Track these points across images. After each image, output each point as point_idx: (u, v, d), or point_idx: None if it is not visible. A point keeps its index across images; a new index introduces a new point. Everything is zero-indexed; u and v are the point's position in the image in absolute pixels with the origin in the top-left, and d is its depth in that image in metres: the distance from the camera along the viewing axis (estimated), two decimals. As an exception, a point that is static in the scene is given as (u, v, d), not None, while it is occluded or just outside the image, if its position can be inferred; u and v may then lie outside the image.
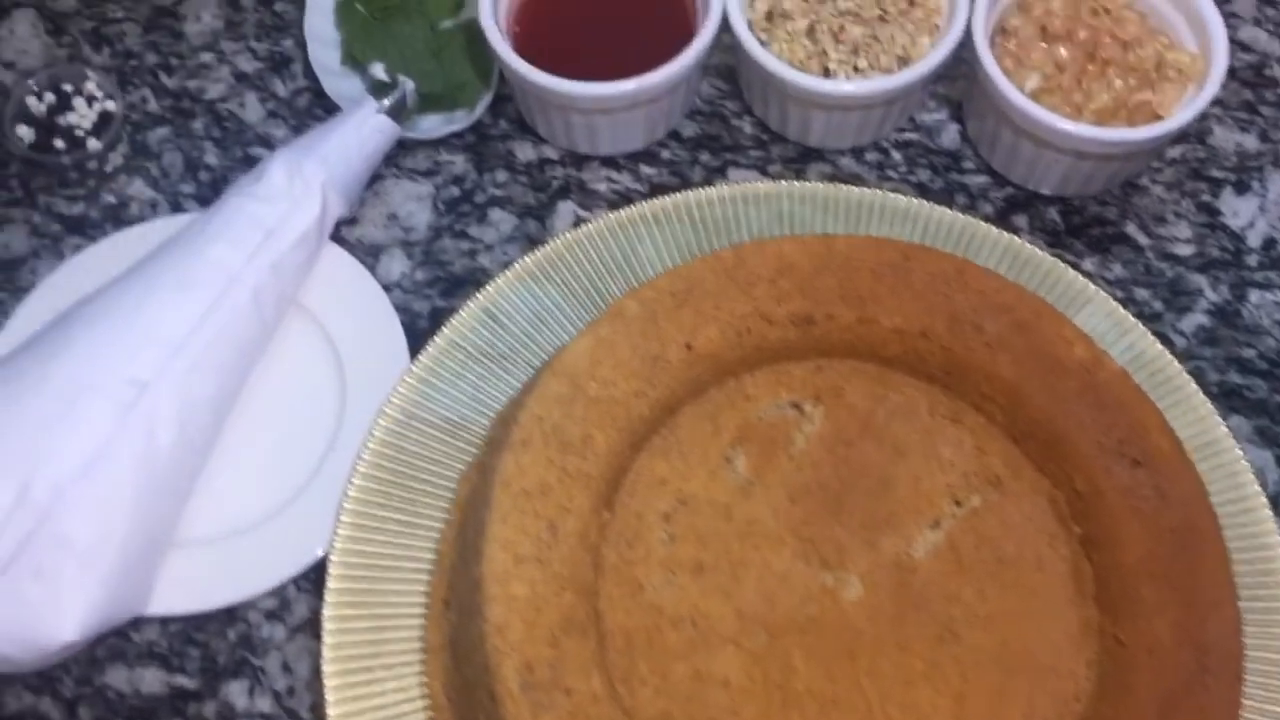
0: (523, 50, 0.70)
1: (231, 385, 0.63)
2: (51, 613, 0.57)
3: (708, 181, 0.74)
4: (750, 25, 0.70)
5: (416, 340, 0.68)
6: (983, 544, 0.61)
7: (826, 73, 0.69)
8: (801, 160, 0.75)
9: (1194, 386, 0.65)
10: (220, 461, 0.64)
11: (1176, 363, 0.65)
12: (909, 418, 0.64)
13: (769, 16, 0.71)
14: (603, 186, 0.74)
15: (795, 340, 0.63)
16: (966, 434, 0.63)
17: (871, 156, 0.75)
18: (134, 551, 0.59)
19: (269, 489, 0.64)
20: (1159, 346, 0.66)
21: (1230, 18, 0.79)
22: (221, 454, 0.64)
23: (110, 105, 0.71)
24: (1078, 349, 0.61)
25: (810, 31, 0.70)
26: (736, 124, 0.76)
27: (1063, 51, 0.69)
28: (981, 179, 0.74)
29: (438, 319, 0.70)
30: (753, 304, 0.62)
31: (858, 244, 0.63)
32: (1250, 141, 0.75)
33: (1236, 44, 0.77)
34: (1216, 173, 0.74)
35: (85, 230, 0.72)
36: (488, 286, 0.67)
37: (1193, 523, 0.57)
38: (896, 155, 0.75)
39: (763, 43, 0.70)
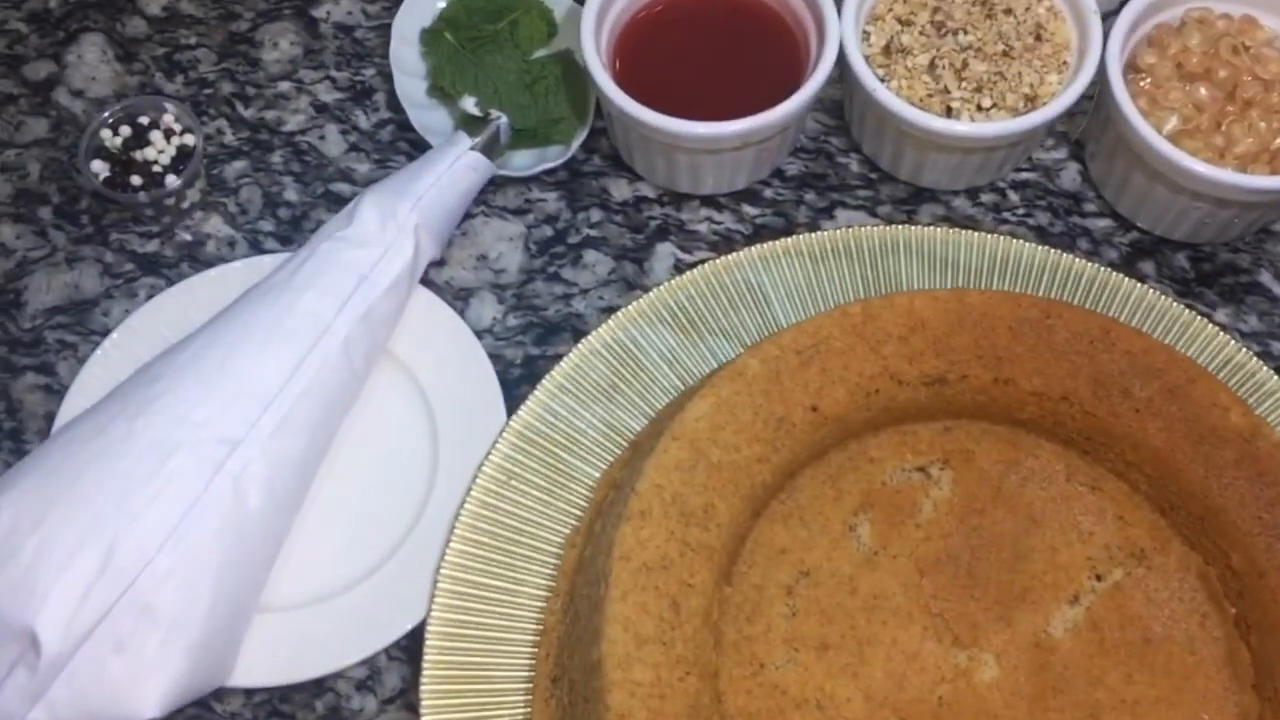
0: (624, 84, 0.66)
1: (321, 441, 0.59)
2: (133, 688, 0.54)
3: (814, 222, 0.70)
4: (867, 60, 0.66)
5: (509, 390, 0.64)
6: (1127, 622, 0.57)
7: (949, 111, 0.65)
8: (913, 201, 0.70)
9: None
10: (307, 523, 0.60)
11: (1326, 426, 0.61)
12: (1044, 484, 0.60)
13: (886, 51, 0.67)
14: (703, 227, 0.70)
15: (925, 401, 0.59)
16: (1107, 502, 0.59)
17: (987, 198, 0.71)
18: (219, 621, 0.55)
19: (359, 552, 0.60)
20: (1305, 408, 0.62)
21: (1362, 53, 0.75)
22: (309, 515, 0.60)
23: (189, 139, 0.67)
24: (1234, 416, 0.57)
25: (931, 68, 0.66)
26: (843, 161, 0.72)
27: (1202, 91, 0.65)
28: (1105, 223, 0.70)
29: (532, 367, 0.66)
30: (882, 363, 0.58)
31: (994, 299, 0.59)
32: (1389, 186, 0.71)
33: (1371, 81, 0.73)
34: (1354, 219, 0.70)
35: (160, 270, 0.68)
36: (588, 337, 0.63)
37: (1368, 609, 0.53)
38: (1013, 196, 0.71)
39: (881, 79, 0.66)
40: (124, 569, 0.53)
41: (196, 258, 0.68)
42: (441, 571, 0.58)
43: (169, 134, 0.67)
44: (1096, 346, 0.58)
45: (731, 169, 0.68)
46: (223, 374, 0.57)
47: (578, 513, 0.60)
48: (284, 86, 0.73)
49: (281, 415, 0.57)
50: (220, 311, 0.61)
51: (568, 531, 0.59)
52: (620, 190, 0.71)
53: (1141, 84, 0.66)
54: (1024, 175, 0.71)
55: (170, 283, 0.66)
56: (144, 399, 0.56)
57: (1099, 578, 0.58)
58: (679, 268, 0.69)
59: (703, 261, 0.66)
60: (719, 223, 0.70)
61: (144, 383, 0.57)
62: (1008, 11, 0.67)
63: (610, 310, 0.67)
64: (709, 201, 0.70)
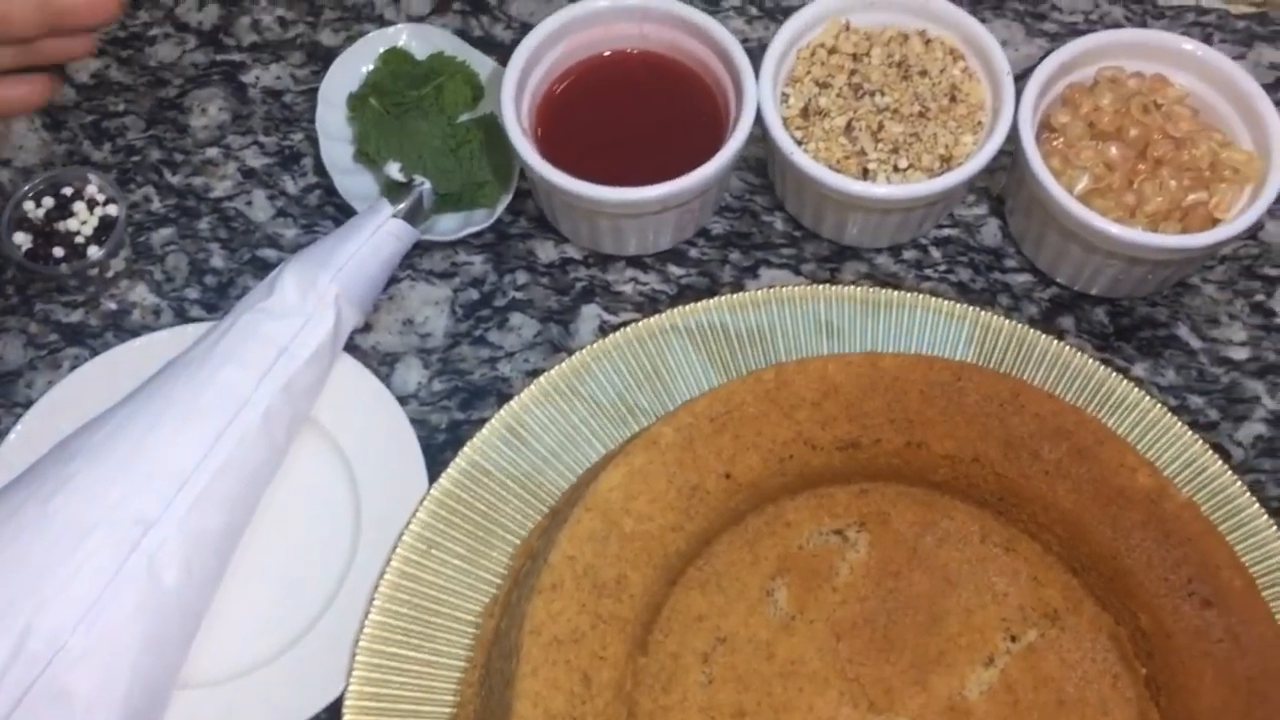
0: (546, 150, 0.66)
1: (240, 516, 0.60)
2: (50, 773, 0.53)
3: (738, 282, 0.71)
4: (785, 123, 0.67)
5: (434, 456, 0.64)
6: (1041, 684, 0.57)
7: (865, 173, 0.66)
8: (836, 259, 0.71)
9: (1258, 508, 0.61)
10: (229, 596, 0.60)
11: (1238, 481, 0.62)
12: (959, 545, 0.60)
13: (804, 113, 0.68)
14: (628, 288, 0.70)
15: (839, 465, 0.59)
16: (1021, 563, 0.60)
17: (909, 255, 0.71)
18: (137, 702, 0.55)
19: (280, 624, 0.60)
20: (1219, 463, 0.62)
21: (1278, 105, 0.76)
22: (230, 587, 0.60)
23: (112, 210, 0.67)
24: (1141, 477, 0.57)
25: (848, 129, 0.67)
26: (767, 220, 0.72)
27: (1113, 150, 0.66)
28: (1025, 278, 0.71)
29: (457, 433, 0.66)
30: (796, 429, 0.59)
31: (906, 363, 0.60)
32: (1304, 237, 0.72)
33: (1287, 132, 0.74)
34: (1270, 270, 0.71)
35: (84, 340, 0.68)
36: (511, 403, 0.63)
37: (1270, 671, 0.54)
38: (935, 253, 0.71)
39: (798, 141, 0.66)
40: (37, 654, 0.53)
41: (122, 327, 0.68)
42: (360, 644, 0.58)
43: (92, 204, 0.67)
44: (1006, 409, 0.59)
45: (655, 231, 0.68)
46: (139, 452, 0.57)
47: (498, 581, 0.60)
48: (212, 152, 0.73)
49: (198, 492, 0.57)
50: (140, 385, 0.61)
51: (487, 601, 0.60)
52: (546, 252, 0.71)
53: (1054, 143, 0.67)
54: (946, 231, 0.72)
55: (95, 353, 0.67)
56: (60, 478, 0.56)
57: (1013, 639, 0.58)
58: (604, 329, 0.69)
59: (628, 323, 0.66)
60: (644, 283, 0.71)
61: (60, 461, 0.57)
62: (923, 73, 0.68)
63: (535, 373, 0.67)
64: (634, 262, 0.71)
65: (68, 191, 0.67)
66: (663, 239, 0.70)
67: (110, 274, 0.68)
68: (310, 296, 0.62)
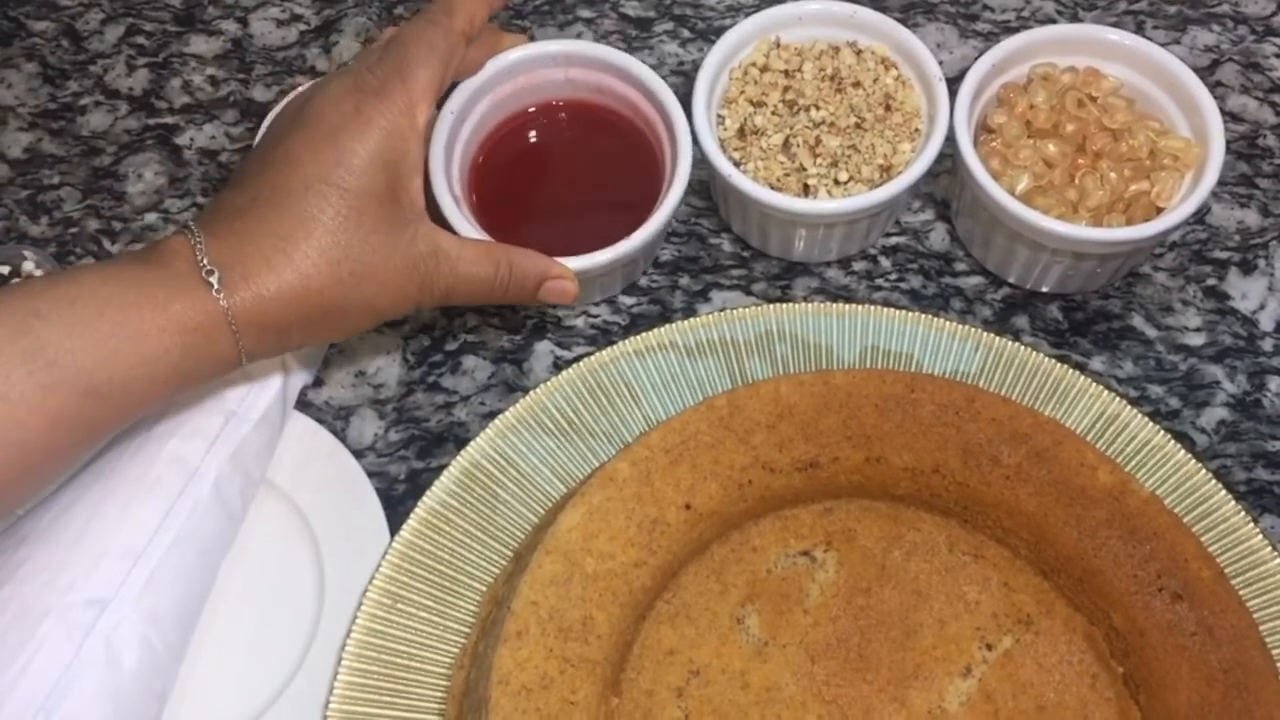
0: (482, 216, 0.65)
1: (199, 588, 0.59)
2: None
3: (690, 307, 0.70)
4: (722, 145, 0.67)
5: (394, 508, 0.64)
6: (1020, 691, 0.57)
7: (806, 189, 0.66)
8: (786, 275, 0.71)
9: (1224, 494, 0.61)
10: (195, 668, 0.59)
11: (1202, 469, 0.61)
12: (928, 556, 0.60)
13: (741, 134, 0.67)
14: (580, 322, 0.70)
15: (800, 486, 0.59)
16: (991, 570, 0.59)
17: (859, 266, 0.71)
18: (105, 786, 0.54)
19: (249, 692, 0.59)
20: (1181, 452, 0.62)
21: (1216, 87, 0.76)
22: (195, 659, 0.59)
23: (51, 285, 0.66)
24: (1102, 475, 0.57)
25: (786, 146, 0.66)
26: (715, 242, 0.72)
27: (1051, 147, 0.65)
28: (976, 280, 0.70)
29: (416, 482, 0.65)
30: (753, 454, 0.58)
31: (858, 378, 0.59)
32: (1251, 217, 0.72)
33: (1226, 114, 0.73)
34: (1220, 253, 0.71)
35: (34, 418, 0.67)
36: (467, 448, 0.63)
37: (1245, 661, 0.53)
38: (885, 262, 0.71)
39: (736, 163, 0.66)
40: (-6, 749, 0.52)
41: (70, 402, 0.67)
42: (330, 705, 0.57)
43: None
44: (962, 416, 0.58)
45: (601, 287, 0.68)
46: (88, 532, 0.56)
47: (466, 630, 0.59)
48: (150, 218, 0.73)
49: (152, 569, 0.56)
50: (87, 463, 0.60)
51: (456, 652, 0.59)
52: (495, 292, 0.70)
53: (993, 144, 0.66)
54: (894, 240, 0.72)
55: (45, 430, 0.66)
56: (9, 566, 0.55)
57: (989, 647, 0.58)
58: (558, 365, 0.69)
59: (581, 357, 0.65)
60: (595, 316, 0.70)
61: (8, 549, 0.56)
62: (856, 84, 0.68)
63: (492, 415, 0.66)
64: (584, 295, 0.70)
65: (4, 270, 0.66)
66: (612, 288, 0.69)
67: (54, 349, 0.67)
68: (255, 357, 0.61)
